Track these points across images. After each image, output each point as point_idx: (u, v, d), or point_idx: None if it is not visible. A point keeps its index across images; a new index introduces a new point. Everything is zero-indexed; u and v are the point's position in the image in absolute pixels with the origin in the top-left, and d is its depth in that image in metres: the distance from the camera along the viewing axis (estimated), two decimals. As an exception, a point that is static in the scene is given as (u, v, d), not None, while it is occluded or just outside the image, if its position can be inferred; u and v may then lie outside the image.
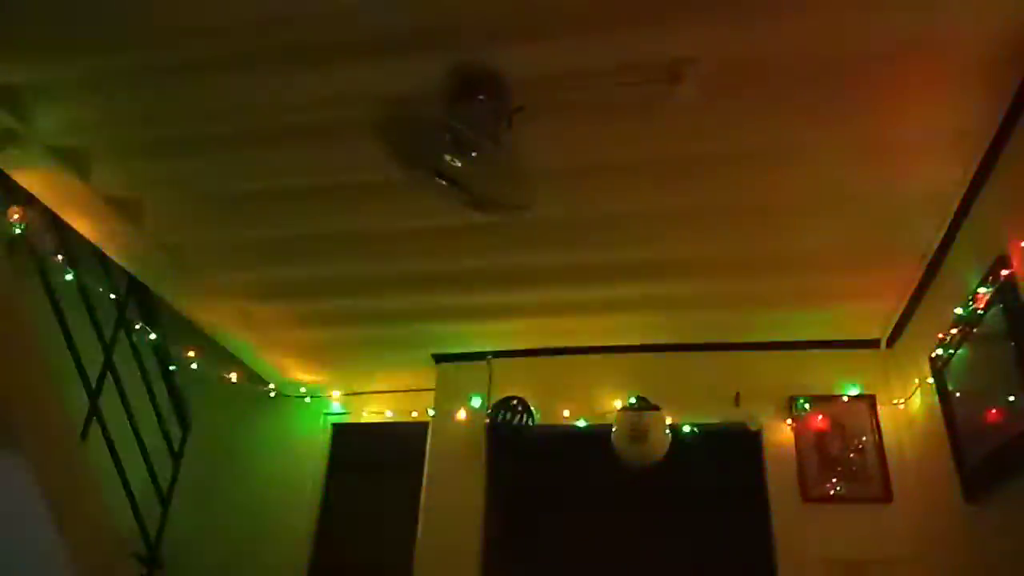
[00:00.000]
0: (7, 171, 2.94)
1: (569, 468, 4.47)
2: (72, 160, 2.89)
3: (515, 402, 4.19)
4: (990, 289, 2.64)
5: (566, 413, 4.24)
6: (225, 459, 4.83)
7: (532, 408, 4.19)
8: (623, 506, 4.43)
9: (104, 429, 3.54)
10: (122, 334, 3.88)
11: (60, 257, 3.37)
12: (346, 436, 5.06)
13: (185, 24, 2.24)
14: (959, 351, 3.02)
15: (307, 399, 5.08)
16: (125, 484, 3.68)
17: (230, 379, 4.45)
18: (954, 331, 3.02)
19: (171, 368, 4.36)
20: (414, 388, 4.71)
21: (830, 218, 3.04)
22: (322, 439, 5.02)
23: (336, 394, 5.10)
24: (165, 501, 4.12)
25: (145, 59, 2.40)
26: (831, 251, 3.28)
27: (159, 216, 3.28)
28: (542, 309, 4.01)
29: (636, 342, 4.28)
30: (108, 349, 3.73)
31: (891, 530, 3.63)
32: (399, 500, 4.35)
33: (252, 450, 4.98)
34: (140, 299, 4.08)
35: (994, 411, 2.70)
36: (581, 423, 4.20)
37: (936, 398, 3.31)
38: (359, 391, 5.02)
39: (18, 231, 3.12)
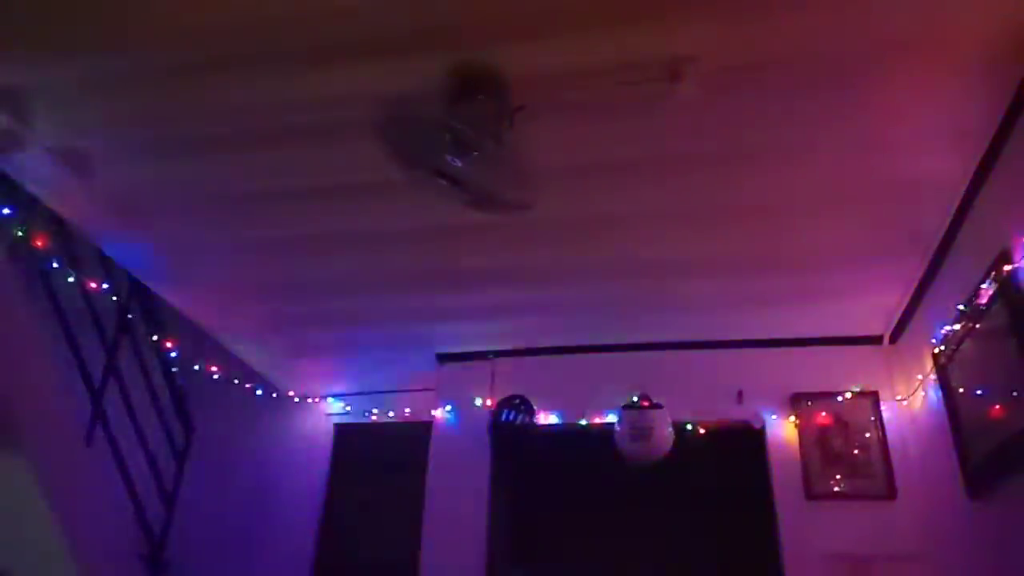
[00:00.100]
0: (8, 173, 2.94)
1: (572, 467, 4.48)
2: (73, 162, 2.89)
3: (518, 401, 4.19)
4: (993, 284, 2.63)
5: (569, 412, 4.25)
6: (229, 460, 4.84)
7: (535, 407, 4.19)
8: (627, 505, 4.43)
9: (108, 431, 3.54)
10: (125, 336, 3.88)
11: (62, 259, 3.37)
12: (349, 437, 5.08)
13: (185, 25, 2.23)
14: (962, 347, 3.02)
15: (310, 400, 5.09)
16: (129, 486, 3.68)
17: (233, 380, 4.46)
18: (957, 327, 3.02)
19: (174, 370, 4.36)
20: (417, 388, 4.72)
21: (832, 215, 3.03)
22: (325, 440, 5.03)
23: (339, 395, 5.11)
24: (169, 502, 4.12)
25: (145, 60, 2.39)
26: (833, 248, 3.27)
27: (162, 218, 3.28)
28: (544, 308, 4.02)
29: (638, 340, 4.28)
30: (111, 351, 3.73)
31: (895, 527, 3.63)
32: (402, 500, 4.36)
33: (255, 451, 4.99)
34: (143, 301, 4.08)
35: (998, 407, 2.69)
36: (584, 422, 4.21)
37: (939, 394, 3.31)
38: (362, 392, 5.03)
39: (20, 233, 3.12)
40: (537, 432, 4.19)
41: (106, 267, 3.68)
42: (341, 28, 2.21)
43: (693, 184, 2.87)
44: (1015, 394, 2.52)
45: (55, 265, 3.35)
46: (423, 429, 4.49)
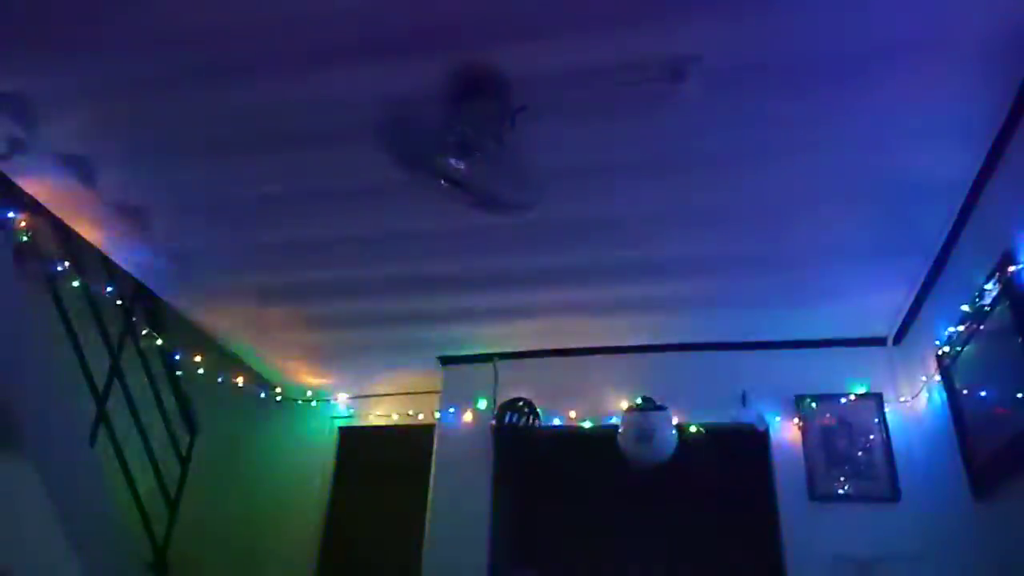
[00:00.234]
0: (13, 179, 2.95)
1: (576, 469, 4.46)
2: (78, 167, 2.90)
3: (521, 403, 4.19)
4: (997, 285, 2.63)
5: (572, 414, 4.25)
6: (232, 463, 4.84)
7: (538, 409, 4.19)
8: (630, 507, 4.42)
9: (112, 434, 3.55)
10: (129, 340, 3.89)
11: (67, 264, 3.38)
12: (353, 439, 5.09)
13: (186, 28, 2.24)
14: (966, 348, 3.01)
15: (313, 403, 5.10)
16: (133, 489, 3.69)
17: (237, 383, 4.47)
18: (961, 328, 3.01)
19: (178, 373, 4.37)
20: (420, 391, 4.72)
21: (835, 214, 3.01)
22: (329, 442, 5.04)
23: (342, 397, 5.12)
24: (173, 505, 4.13)
25: (147, 64, 2.40)
26: (836, 248, 3.26)
27: (165, 222, 3.29)
28: (547, 310, 4.01)
29: (642, 342, 4.28)
30: (115, 355, 3.74)
31: (899, 528, 3.61)
32: (406, 502, 4.36)
33: (259, 454, 5.00)
34: (146, 305, 4.09)
35: (1002, 408, 2.68)
36: (587, 424, 4.20)
37: (943, 396, 3.30)
38: (365, 394, 5.04)
39: (25, 238, 3.13)
40: (540, 434, 4.18)
41: (110, 270, 3.69)
42: (341, 29, 2.22)
43: (695, 183, 2.86)
44: (1019, 395, 2.51)
45: (60, 269, 3.36)
46: (426, 432, 4.49)
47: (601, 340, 4.32)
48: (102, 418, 3.49)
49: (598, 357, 4.36)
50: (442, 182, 2.41)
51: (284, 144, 2.74)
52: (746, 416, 4.01)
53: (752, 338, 4.14)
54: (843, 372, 4.01)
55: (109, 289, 3.69)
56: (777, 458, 3.96)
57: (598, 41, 2.21)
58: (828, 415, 3.94)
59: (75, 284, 3.45)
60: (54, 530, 2.66)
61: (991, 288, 2.68)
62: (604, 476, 4.21)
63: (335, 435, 5.08)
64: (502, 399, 4.26)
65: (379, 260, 3.55)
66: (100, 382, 3.57)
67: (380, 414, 4.98)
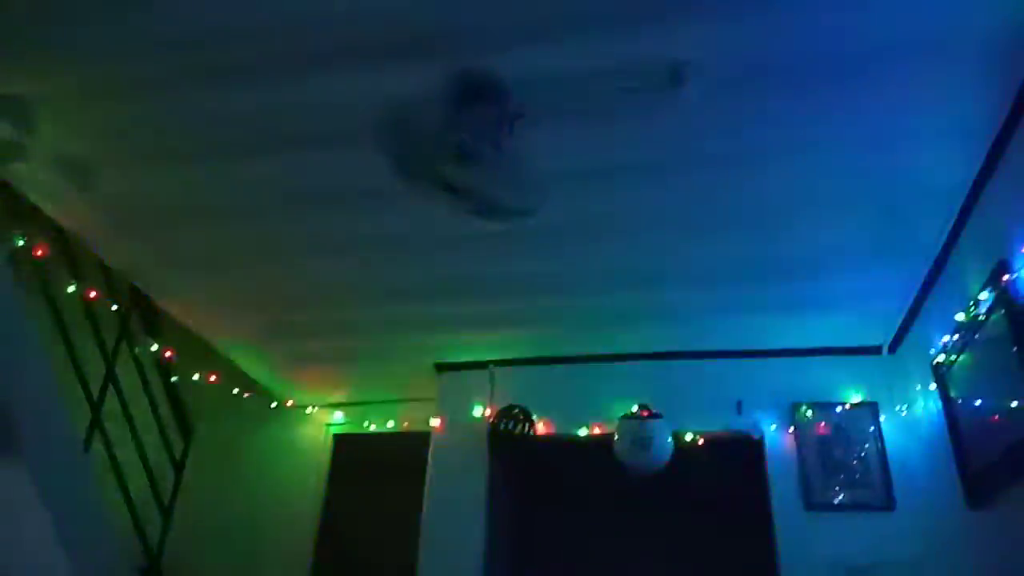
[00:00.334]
0: (9, 182, 2.95)
1: (571, 477, 4.46)
2: (75, 171, 2.90)
3: (517, 411, 4.18)
4: (992, 294, 2.64)
5: (568, 422, 4.24)
6: (226, 470, 4.82)
7: (534, 417, 4.19)
8: (626, 515, 4.42)
9: (106, 440, 3.54)
10: (124, 345, 3.88)
11: (63, 268, 3.37)
12: (348, 446, 5.06)
13: (187, 33, 2.25)
14: (961, 356, 3.02)
15: (308, 409, 5.08)
16: (127, 494, 3.67)
17: (232, 390, 4.46)
18: (956, 336, 3.02)
19: (173, 379, 4.36)
20: (416, 398, 4.71)
21: (833, 219, 3.01)
22: (324, 449, 5.02)
23: (338, 404, 5.10)
24: (167, 511, 4.11)
25: (147, 68, 2.41)
26: (833, 254, 3.26)
27: (161, 226, 3.29)
28: (544, 317, 4.02)
29: (638, 350, 4.28)
30: (110, 360, 3.73)
31: (895, 537, 3.62)
32: (401, 510, 4.34)
33: (253, 461, 4.98)
34: (143, 310, 4.09)
35: (997, 417, 2.69)
36: (583, 432, 4.20)
37: (939, 404, 3.31)
38: (361, 401, 5.02)
39: (20, 242, 3.12)
40: (536, 442, 4.17)
41: (106, 275, 3.69)
42: (340, 34, 2.23)
43: (695, 187, 2.86)
44: (1015, 404, 2.52)
45: (56, 273, 3.35)
46: (422, 439, 4.48)
47: (597, 348, 4.32)
48: (97, 423, 3.47)
49: (594, 364, 4.36)
50: (442, 190, 2.41)
51: (283, 147, 2.74)
52: (742, 424, 4.02)
53: (748, 346, 4.15)
54: (839, 380, 4.03)
55: (105, 294, 3.68)
56: (773, 466, 3.96)
57: (597, 45, 2.22)
58: (824, 423, 3.95)
59: (71, 289, 3.43)
60: (48, 534, 2.64)
61: (986, 297, 2.69)
62: (600, 484, 4.21)
63: (330, 442, 5.06)
64: (498, 406, 4.25)
65: (376, 265, 3.55)
66: (96, 387, 3.56)
67: (375, 421, 4.96)
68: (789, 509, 3.83)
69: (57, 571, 2.70)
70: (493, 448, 4.20)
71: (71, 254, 3.44)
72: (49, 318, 3.27)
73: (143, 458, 3.93)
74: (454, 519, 4.16)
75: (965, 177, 2.72)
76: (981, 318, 2.75)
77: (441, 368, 4.58)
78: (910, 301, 3.58)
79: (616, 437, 3.90)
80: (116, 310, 3.79)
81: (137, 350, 4.03)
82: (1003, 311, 2.57)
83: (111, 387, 3.70)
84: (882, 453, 3.83)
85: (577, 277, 3.56)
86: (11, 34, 2.28)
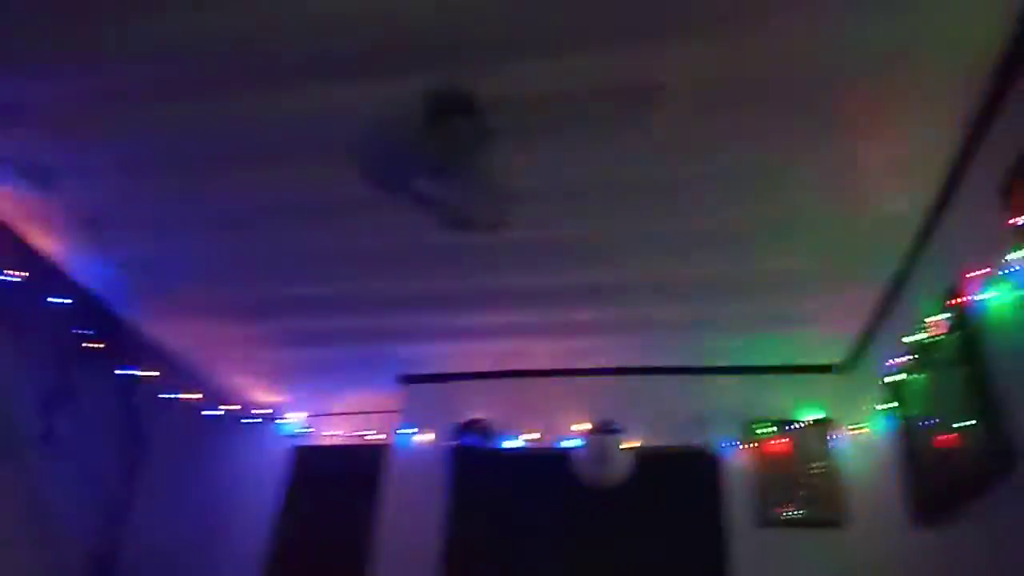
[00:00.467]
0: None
1: (532, 490, 4.46)
2: (36, 177, 2.83)
3: (479, 424, 4.18)
4: (945, 317, 2.73)
5: (530, 435, 4.26)
6: (182, 480, 4.70)
7: (496, 430, 4.19)
8: (585, 529, 4.42)
9: (59, 446, 3.44)
10: (80, 350, 3.78)
11: (20, 273, 3.28)
12: (307, 458, 4.98)
13: (157, 44, 2.24)
14: (914, 377, 3.12)
15: (269, 420, 5.00)
16: (78, 503, 3.57)
17: (190, 398, 4.37)
18: (910, 357, 3.12)
19: (130, 387, 4.25)
20: (378, 410, 4.67)
21: (794, 244, 3.11)
22: (282, 460, 4.93)
23: (299, 415, 5.03)
24: (118, 520, 4.00)
25: (116, 78, 2.38)
26: (793, 275, 3.34)
27: (123, 234, 3.23)
28: (508, 331, 4.03)
29: (601, 365, 4.32)
30: (64, 365, 3.63)
31: (845, 554, 3.69)
32: (359, 523, 4.29)
33: (210, 471, 4.86)
34: (100, 316, 3.98)
35: (947, 437, 2.78)
36: (545, 445, 4.21)
37: (891, 424, 3.40)
38: (322, 412, 4.96)
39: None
40: (498, 455, 4.18)
41: (63, 281, 3.59)
42: (316, 50, 2.24)
43: (662, 210, 2.93)
44: (963, 425, 2.61)
45: (11, 278, 3.25)
46: (383, 452, 4.44)
47: (560, 362, 4.35)
48: (50, 429, 3.37)
49: (557, 379, 4.39)
50: (414, 201, 2.42)
51: (251, 159, 2.74)
52: (700, 440, 4.08)
53: (708, 363, 4.22)
54: (795, 398, 4.11)
55: (63, 299, 3.59)
56: (729, 482, 4.02)
57: (572, 66, 2.26)
58: (779, 441, 4.03)
59: (26, 293, 3.34)
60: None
61: (938, 320, 2.79)
62: (560, 498, 4.22)
63: (289, 453, 4.98)
64: (461, 420, 4.24)
65: (341, 277, 3.53)
66: (48, 393, 3.46)
67: (337, 433, 4.90)
68: (744, 525, 3.90)
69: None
70: (454, 461, 4.19)
71: (28, 258, 3.34)
72: (3, 322, 3.17)
73: (95, 466, 3.82)
74: (410, 533, 4.13)
75: (920, 204, 2.82)
76: (934, 340, 2.85)
77: (405, 380, 4.55)
78: (865, 322, 3.69)
79: (577, 451, 3.92)
80: (73, 315, 3.69)
81: (93, 356, 3.92)
82: (954, 334, 2.66)
83: (65, 393, 3.59)
84: (835, 471, 3.91)
85: (543, 291, 3.59)
86: None
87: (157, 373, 4.20)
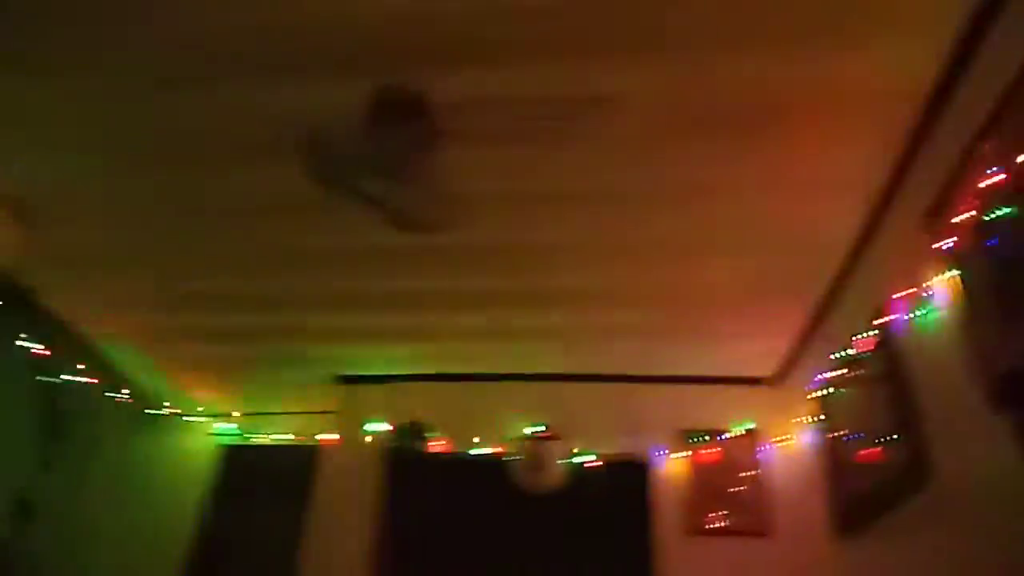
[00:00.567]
0: None
1: (467, 495, 4.44)
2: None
3: (417, 427, 4.15)
4: (870, 335, 2.83)
5: (466, 440, 4.25)
6: (102, 478, 4.52)
7: (433, 434, 4.16)
8: (519, 534, 4.43)
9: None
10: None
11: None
12: (237, 458, 4.84)
13: (105, 46, 2.22)
14: (840, 393, 3.22)
15: (197, 418, 4.85)
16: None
17: (112, 393, 4.21)
18: (837, 373, 3.22)
19: (51, 380, 4.07)
20: (313, 411, 4.57)
21: (730, 258, 3.17)
22: (211, 461, 4.78)
23: (230, 414, 4.88)
24: (27, 517, 3.83)
25: (59, 76, 2.33)
26: (728, 289, 3.41)
27: (48, 219, 3.08)
28: (448, 334, 4.01)
29: (539, 371, 4.33)
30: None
31: (769, 563, 3.77)
32: (289, 526, 4.19)
33: (133, 470, 4.68)
34: (20, 305, 3.80)
35: (869, 451, 2.88)
36: (482, 450, 4.21)
37: (816, 437, 3.51)
38: (256, 411, 4.83)
39: None
40: (433, 459, 4.15)
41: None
42: (263, 45, 2.21)
43: (605, 218, 2.95)
44: (885, 440, 2.70)
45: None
46: (315, 453, 4.36)
47: (499, 367, 4.34)
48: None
49: (495, 384, 4.38)
50: (359, 200, 2.39)
51: (192, 152, 2.67)
52: (634, 448, 4.13)
53: (644, 372, 4.27)
54: (727, 409, 4.20)
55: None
56: (660, 490, 4.08)
57: (520, 73, 2.27)
58: (710, 450, 4.11)
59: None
60: None
61: (865, 338, 2.89)
62: (494, 503, 4.22)
63: (218, 453, 4.82)
64: (397, 422, 4.20)
65: (279, 273, 3.45)
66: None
67: (270, 433, 4.77)
68: (671, 532, 3.96)
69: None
70: (390, 464, 4.14)
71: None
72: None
73: (8, 460, 3.65)
74: (341, 537, 4.07)
75: (851, 224, 2.92)
76: (860, 357, 2.95)
77: (341, 381, 4.48)
78: (796, 337, 3.79)
79: (513, 457, 3.93)
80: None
81: (12, 347, 3.75)
82: (879, 352, 2.76)
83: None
84: (762, 481, 4.01)
85: (483, 295, 3.58)
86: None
87: (77, 362, 4.04)
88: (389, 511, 4.18)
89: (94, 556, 4.26)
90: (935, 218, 2.27)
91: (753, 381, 4.28)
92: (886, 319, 2.71)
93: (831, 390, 3.31)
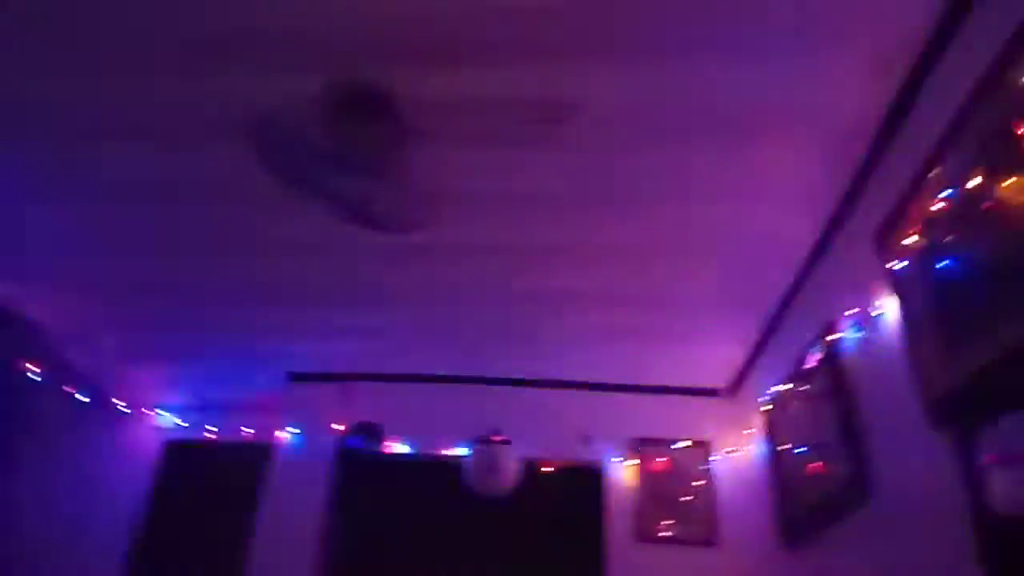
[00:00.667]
0: None
1: (418, 496, 4.42)
2: None
3: (368, 427, 4.12)
4: (819, 350, 2.89)
5: (420, 441, 4.23)
6: (32, 473, 4.37)
7: (386, 434, 4.13)
8: (469, 537, 4.42)
9: None
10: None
11: None
12: (180, 454, 4.73)
13: (57, 30, 2.17)
14: (789, 406, 3.28)
15: (138, 410, 4.72)
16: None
17: (48, 381, 4.06)
18: (785, 387, 3.28)
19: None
20: (264, 406, 4.49)
21: (688, 267, 3.20)
22: (154, 455, 4.67)
23: (175, 407, 4.78)
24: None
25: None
26: (684, 299, 3.44)
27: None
28: (402, 333, 3.98)
29: (494, 375, 4.33)
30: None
31: (713, 572, 3.83)
32: (234, 527, 4.12)
33: (67, 463, 4.53)
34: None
35: (814, 465, 2.94)
36: (434, 452, 4.19)
37: (765, 449, 3.56)
38: (200, 406, 4.72)
39: None
40: (386, 460, 4.12)
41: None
42: (231, 39, 2.19)
43: (567, 220, 2.95)
44: (830, 453, 2.76)
45: None
46: (266, 451, 4.29)
47: (454, 369, 4.33)
48: None
49: (450, 386, 4.37)
50: (321, 196, 2.36)
51: (148, 134, 2.59)
52: (587, 454, 4.16)
53: (599, 379, 4.30)
54: (679, 419, 4.25)
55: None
56: (611, 497, 4.12)
57: (485, 75, 2.27)
58: (661, 459, 4.15)
59: None
60: None
61: (813, 352, 2.94)
62: (446, 505, 4.20)
63: (161, 448, 4.71)
64: (350, 421, 4.16)
65: (231, 265, 3.38)
66: None
67: (215, 429, 4.67)
68: (621, 539, 3.99)
69: None
70: (339, 464, 4.10)
71: None
72: None
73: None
74: (288, 536, 4.02)
75: (804, 241, 2.98)
76: (808, 372, 3.00)
77: (294, 377, 4.42)
78: (749, 350, 3.85)
79: (466, 459, 3.92)
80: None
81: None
82: (827, 368, 2.82)
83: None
84: (711, 491, 4.07)
85: (440, 295, 3.56)
86: None
87: (15, 350, 3.90)
88: (340, 511, 4.14)
89: (24, 560, 4.13)
90: (884, 240, 2.32)
91: (708, 392, 4.34)
92: (835, 336, 2.76)
93: (781, 403, 3.37)
